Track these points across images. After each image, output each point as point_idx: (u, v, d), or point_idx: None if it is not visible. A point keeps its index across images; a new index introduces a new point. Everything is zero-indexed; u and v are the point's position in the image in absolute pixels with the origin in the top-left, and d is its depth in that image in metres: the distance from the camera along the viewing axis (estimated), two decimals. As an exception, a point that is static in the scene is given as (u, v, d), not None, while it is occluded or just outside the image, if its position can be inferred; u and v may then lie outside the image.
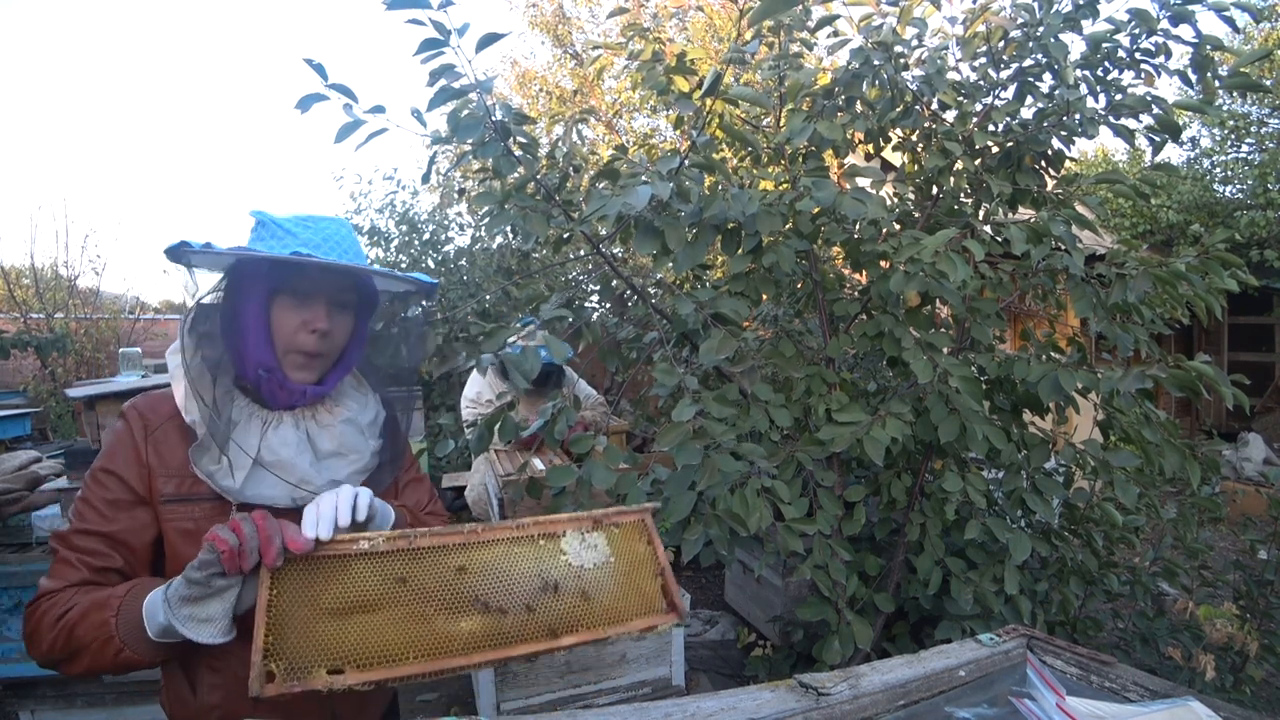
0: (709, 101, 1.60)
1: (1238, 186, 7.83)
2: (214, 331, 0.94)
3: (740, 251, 1.70)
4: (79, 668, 0.86)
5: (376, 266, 1.00)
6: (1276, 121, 7.85)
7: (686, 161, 1.59)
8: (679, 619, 0.95)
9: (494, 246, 5.30)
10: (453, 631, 0.82)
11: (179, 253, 0.90)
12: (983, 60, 1.88)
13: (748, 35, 1.87)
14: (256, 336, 0.93)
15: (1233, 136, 8.07)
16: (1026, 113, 1.91)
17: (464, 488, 3.09)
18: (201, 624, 0.80)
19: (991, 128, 1.87)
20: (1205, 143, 8.42)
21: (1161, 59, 1.74)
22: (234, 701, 0.94)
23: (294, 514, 0.90)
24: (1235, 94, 7.08)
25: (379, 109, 1.45)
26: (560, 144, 2.14)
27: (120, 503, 0.92)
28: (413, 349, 1.15)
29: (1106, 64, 1.79)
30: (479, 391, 2.99)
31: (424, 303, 1.14)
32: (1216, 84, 1.70)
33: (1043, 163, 1.93)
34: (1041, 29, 1.74)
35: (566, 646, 0.87)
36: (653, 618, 0.93)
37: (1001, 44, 1.83)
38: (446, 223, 5.99)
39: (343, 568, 0.81)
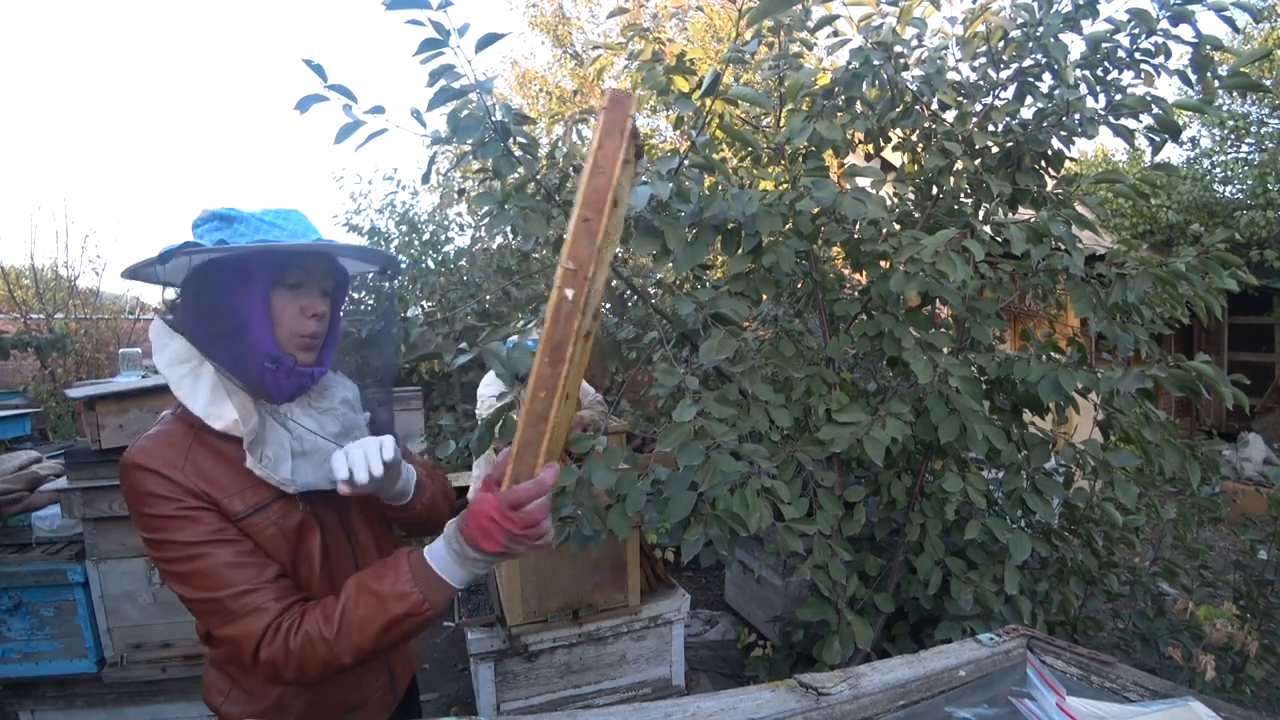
0: (708, 101, 1.60)
1: (1237, 186, 7.83)
2: (220, 333, 0.94)
3: (740, 251, 1.70)
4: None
5: (350, 244, 1.05)
6: (1276, 121, 7.85)
7: (686, 161, 1.59)
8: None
9: (494, 246, 5.29)
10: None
11: (168, 255, 0.90)
12: (982, 60, 1.88)
13: (747, 35, 1.87)
14: (261, 330, 0.94)
15: (1232, 136, 8.06)
16: (1026, 113, 1.91)
17: (466, 488, 3.09)
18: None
19: (991, 128, 1.87)
20: (1205, 143, 8.42)
21: (1161, 59, 1.74)
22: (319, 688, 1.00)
23: (331, 494, 0.97)
24: (1235, 94, 7.08)
25: (378, 109, 1.46)
26: (560, 144, 2.14)
27: (224, 528, 0.91)
28: (386, 340, 1.18)
29: (1106, 64, 1.79)
30: (502, 390, 2.95)
31: (389, 284, 1.18)
32: (1216, 84, 1.70)
33: (1043, 163, 1.94)
34: (1041, 29, 1.74)
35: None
36: None
37: (1001, 44, 1.83)
38: (446, 223, 5.99)
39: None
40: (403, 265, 1.31)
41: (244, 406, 0.94)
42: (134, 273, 0.95)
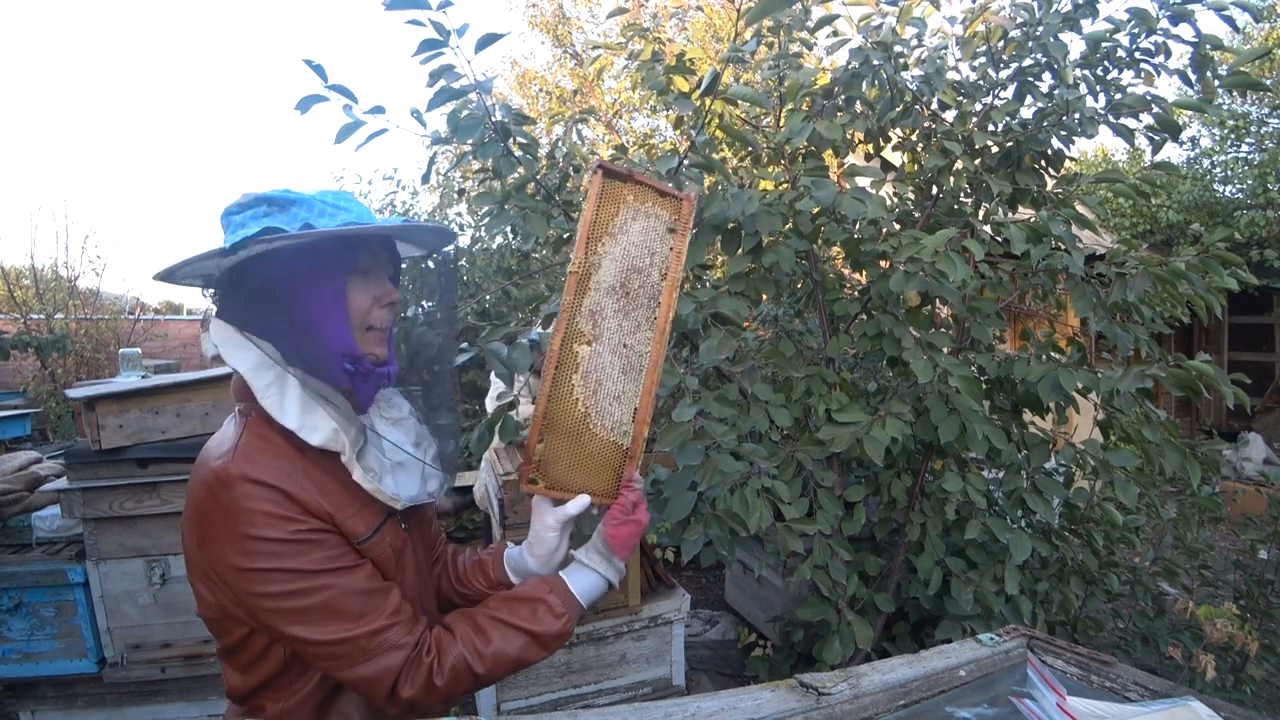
0: (708, 101, 1.60)
1: (1237, 186, 7.83)
2: (293, 333, 0.84)
3: (740, 251, 1.70)
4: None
5: (428, 224, 0.97)
6: (1276, 121, 7.85)
7: (686, 161, 1.59)
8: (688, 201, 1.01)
9: (494, 246, 5.30)
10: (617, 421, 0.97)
11: (241, 244, 0.76)
12: (982, 60, 1.88)
13: (747, 35, 1.87)
14: (337, 327, 0.83)
15: (1232, 136, 8.07)
16: (1026, 112, 1.91)
17: (469, 487, 3.09)
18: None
19: (991, 127, 1.87)
20: (1205, 142, 8.43)
21: (1161, 58, 1.74)
22: None
23: (411, 513, 0.95)
24: (1235, 93, 7.09)
25: (379, 109, 1.46)
26: (560, 144, 2.14)
27: (346, 552, 0.81)
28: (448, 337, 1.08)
29: (1106, 63, 1.79)
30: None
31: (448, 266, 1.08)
32: (1216, 83, 1.70)
33: (1042, 162, 1.93)
34: (1041, 28, 1.74)
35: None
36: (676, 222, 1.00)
37: (1001, 44, 1.83)
38: (446, 223, 5.99)
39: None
40: (454, 235, 1.24)
41: (340, 414, 0.84)
42: (179, 273, 0.82)
